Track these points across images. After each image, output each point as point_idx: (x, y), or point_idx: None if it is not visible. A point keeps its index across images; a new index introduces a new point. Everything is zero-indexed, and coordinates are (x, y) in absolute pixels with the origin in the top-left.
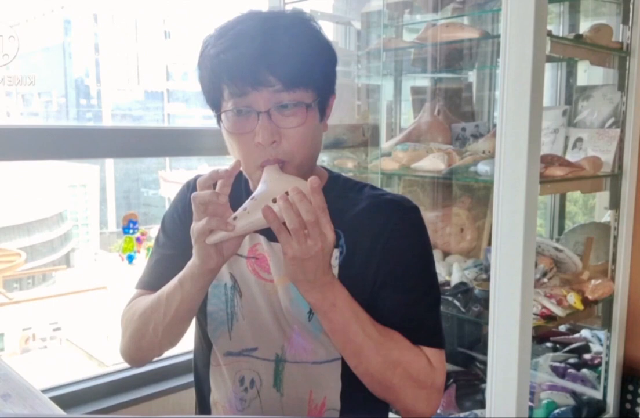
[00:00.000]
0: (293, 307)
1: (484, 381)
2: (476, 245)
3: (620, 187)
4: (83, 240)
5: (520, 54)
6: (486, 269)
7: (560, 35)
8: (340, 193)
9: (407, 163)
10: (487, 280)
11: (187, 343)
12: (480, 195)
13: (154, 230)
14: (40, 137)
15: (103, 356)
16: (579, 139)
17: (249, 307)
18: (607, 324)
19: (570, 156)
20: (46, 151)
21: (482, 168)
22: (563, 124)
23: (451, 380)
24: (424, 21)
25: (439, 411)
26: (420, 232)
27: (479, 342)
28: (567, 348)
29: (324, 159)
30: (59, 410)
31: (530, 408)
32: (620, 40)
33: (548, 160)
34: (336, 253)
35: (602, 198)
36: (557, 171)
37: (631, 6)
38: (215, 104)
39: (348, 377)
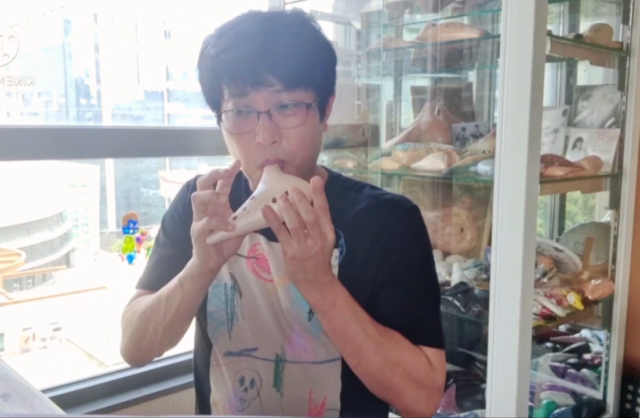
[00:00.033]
0: (293, 307)
1: (484, 381)
2: (476, 245)
3: (620, 187)
4: (83, 240)
5: (520, 54)
6: (486, 269)
7: (560, 35)
8: (340, 192)
9: (407, 163)
10: (487, 280)
11: (187, 343)
12: (480, 195)
13: (154, 230)
14: (40, 137)
15: (103, 356)
16: (579, 139)
17: (249, 307)
18: (607, 324)
19: (570, 156)
20: (46, 151)
21: (482, 167)
22: (563, 124)
23: (451, 380)
24: (424, 21)
25: (439, 411)
26: (420, 232)
27: (479, 342)
28: (567, 348)
29: (324, 159)
30: (59, 410)
31: (530, 408)
32: (620, 40)
33: (548, 160)
34: (336, 252)
35: (602, 198)
36: (557, 171)
37: (631, 6)
38: (215, 104)
39: (348, 376)
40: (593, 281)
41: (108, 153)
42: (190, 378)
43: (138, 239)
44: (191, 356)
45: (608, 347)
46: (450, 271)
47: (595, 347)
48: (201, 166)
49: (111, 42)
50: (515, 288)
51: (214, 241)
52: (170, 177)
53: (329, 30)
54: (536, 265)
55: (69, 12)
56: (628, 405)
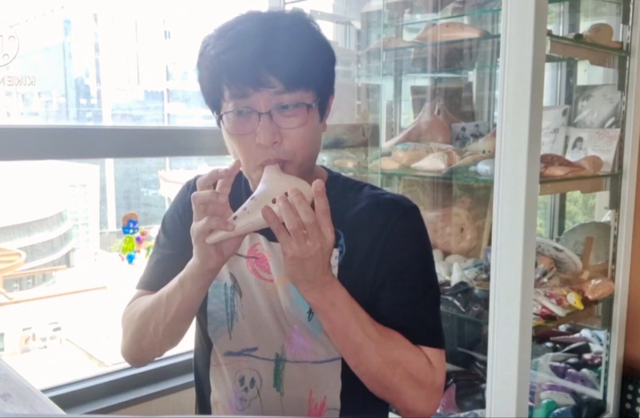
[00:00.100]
0: (293, 307)
1: (484, 381)
2: (476, 245)
3: (620, 187)
4: (83, 240)
5: (520, 53)
6: (486, 269)
7: (560, 35)
8: (339, 192)
9: (407, 163)
10: (487, 279)
11: (187, 343)
12: (480, 195)
13: (154, 230)
14: (40, 137)
15: (103, 356)
16: (579, 139)
17: (249, 307)
18: (607, 324)
19: (570, 156)
20: (46, 151)
21: (482, 167)
22: (563, 124)
23: (451, 380)
24: (424, 21)
25: (439, 411)
26: (420, 232)
27: (479, 342)
28: (567, 348)
29: (324, 159)
30: (59, 410)
31: (530, 408)
32: (620, 40)
33: (548, 160)
34: (336, 252)
35: (602, 197)
36: (557, 171)
37: (631, 6)
38: (215, 104)
39: (348, 376)
40: (593, 281)
41: (108, 153)
42: (190, 378)
43: (138, 239)
44: (191, 356)
45: (608, 347)
46: (450, 271)
47: (595, 347)
48: (201, 166)
49: (111, 42)
50: (515, 288)
51: (214, 241)
52: (170, 177)
53: (329, 30)
54: (536, 265)
55: (69, 12)
56: (628, 405)
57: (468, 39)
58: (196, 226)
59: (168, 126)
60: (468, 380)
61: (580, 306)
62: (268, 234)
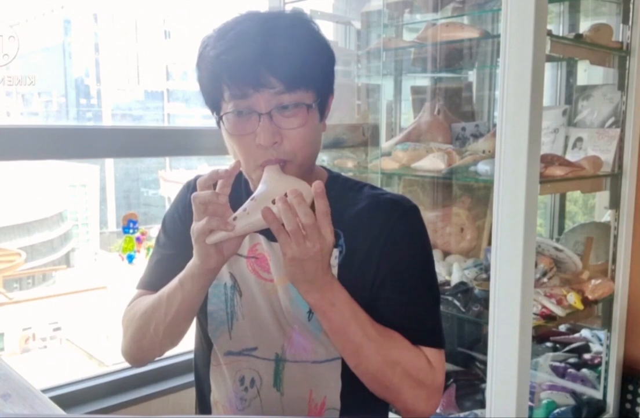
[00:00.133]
0: (293, 307)
1: (484, 381)
2: (476, 245)
3: (620, 187)
4: (83, 240)
5: (520, 53)
6: (486, 269)
7: (560, 35)
8: (339, 192)
9: (407, 163)
10: (487, 279)
11: (187, 343)
12: (480, 195)
13: (154, 230)
14: (40, 137)
15: (103, 356)
16: (579, 139)
17: (249, 307)
18: (607, 324)
19: (570, 156)
20: (46, 151)
21: (482, 167)
22: (563, 124)
23: (451, 380)
24: (424, 21)
25: (439, 411)
26: (420, 232)
27: (479, 342)
28: (567, 348)
29: (324, 159)
30: (59, 410)
31: (530, 408)
32: (620, 40)
33: (548, 160)
34: (336, 252)
35: (602, 197)
36: (557, 171)
37: (631, 6)
38: (215, 105)
39: (348, 376)
40: (593, 281)
41: (108, 153)
42: (190, 378)
43: (138, 239)
44: (191, 356)
45: (608, 347)
46: (450, 271)
47: (595, 347)
48: (201, 166)
49: (111, 42)
50: (515, 288)
51: (214, 241)
52: (170, 177)
53: (329, 30)
54: (536, 265)
55: (69, 12)
56: (628, 405)
57: (468, 39)
58: (196, 226)
59: (168, 126)
60: (468, 380)
61: (580, 306)
62: (268, 234)
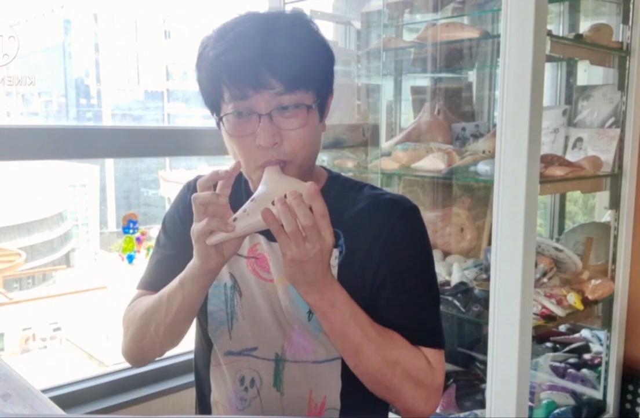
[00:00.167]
0: (293, 307)
1: (484, 381)
2: (476, 245)
3: (620, 187)
4: (83, 240)
5: (520, 54)
6: (486, 269)
7: (560, 35)
8: (339, 192)
9: (407, 163)
10: (487, 280)
11: (187, 343)
12: (480, 195)
13: (154, 230)
14: (40, 137)
15: (103, 356)
16: (579, 139)
17: (248, 307)
18: (607, 324)
19: (570, 156)
20: (46, 151)
21: (482, 167)
22: (563, 124)
23: (451, 380)
24: (424, 21)
25: (439, 411)
26: (420, 232)
27: (479, 342)
28: (567, 348)
29: (324, 159)
30: (59, 410)
31: (530, 408)
32: (620, 40)
33: (548, 160)
34: (335, 252)
35: (602, 197)
36: (557, 171)
37: (631, 6)
38: (214, 106)
39: (348, 376)
40: (593, 281)
41: (108, 153)
42: (190, 378)
43: (138, 239)
44: (191, 356)
45: (608, 347)
46: (450, 271)
47: (595, 347)
48: (201, 166)
49: (111, 42)
50: (515, 288)
51: (214, 242)
52: (170, 177)
53: (329, 30)
54: (536, 265)
55: (69, 12)
56: (628, 405)
57: (468, 39)
58: (196, 227)
59: (168, 126)
60: (468, 380)
61: (580, 307)
62: (268, 234)
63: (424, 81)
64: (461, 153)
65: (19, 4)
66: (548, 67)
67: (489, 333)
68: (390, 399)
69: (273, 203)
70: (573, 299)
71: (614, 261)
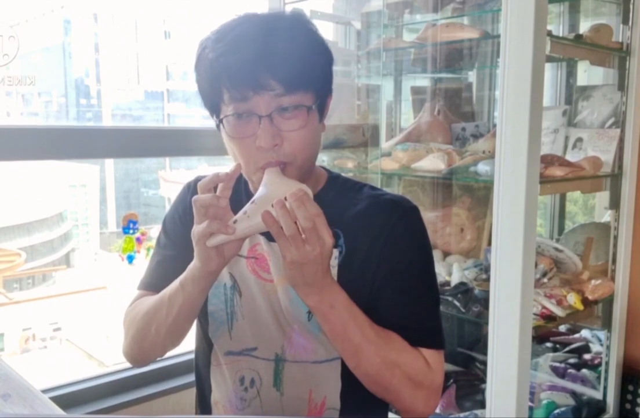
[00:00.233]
0: (293, 307)
1: (484, 381)
2: (476, 245)
3: (620, 187)
4: (83, 240)
5: (520, 54)
6: (486, 269)
7: (560, 35)
8: (339, 192)
9: (407, 163)
10: (487, 280)
11: (187, 343)
12: (480, 195)
13: (154, 230)
14: (40, 137)
15: (103, 356)
16: (579, 139)
17: (248, 307)
18: (607, 324)
19: (570, 156)
20: (46, 151)
21: (482, 168)
22: (563, 124)
23: (451, 380)
24: (424, 21)
25: (439, 411)
26: (420, 232)
27: (479, 342)
28: (567, 348)
29: (324, 159)
30: (59, 410)
31: (530, 408)
32: (620, 40)
33: (548, 160)
34: (335, 253)
35: (602, 198)
36: (557, 171)
37: (631, 6)
38: (214, 107)
39: (348, 376)
40: (593, 281)
41: (108, 153)
42: (190, 378)
43: (138, 239)
44: (191, 356)
45: (608, 347)
46: (450, 271)
47: (595, 347)
48: (201, 166)
49: (111, 42)
50: (515, 288)
51: (215, 244)
52: (170, 177)
53: (329, 30)
54: (536, 265)
55: (69, 12)
56: (628, 405)
57: (468, 39)
58: (197, 229)
59: (168, 126)
60: (468, 380)
61: (580, 307)
62: (268, 234)
63: (424, 81)
64: (461, 153)
65: (19, 4)
66: (548, 67)
67: (489, 333)
68: (389, 399)
69: (273, 206)
70: (573, 299)
71: (614, 261)
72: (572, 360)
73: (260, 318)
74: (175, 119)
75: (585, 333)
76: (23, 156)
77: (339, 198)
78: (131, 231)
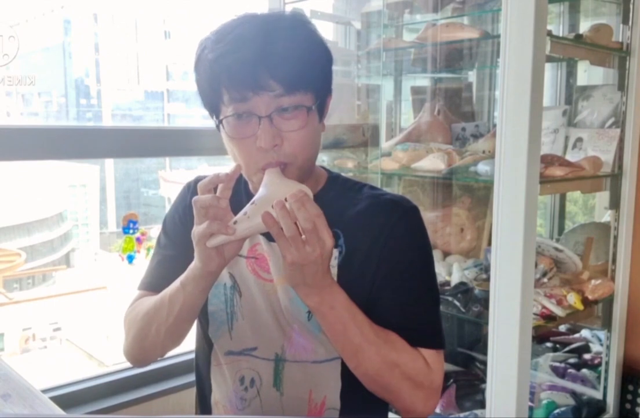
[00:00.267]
0: (292, 307)
1: (484, 381)
2: (476, 245)
3: (620, 187)
4: (83, 240)
5: (520, 54)
6: (486, 269)
7: (560, 35)
8: (339, 192)
9: (407, 163)
10: (487, 280)
11: (187, 343)
12: (480, 195)
13: (154, 230)
14: (40, 137)
15: (103, 356)
16: (579, 139)
17: (248, 307)
18: (607, 324)
19: (570, 156)
20: (46, 151)
21: (482, 168)
22: (563, 124)
23: (451, 380)
24: (424, 21)
25: (439, 411)
26: (420, 232)
27: (479, 342)
28: (567, 348)
29: (324, 159)
30: (59, 410)
31: (530, 408)
32: (620, 40)
33: (548, 160)
34: (335, 253)
35: (602, 198)
36: (557, 171)
37: (631, 6)
38: (213, 108)
39: (348, 376)
40: (593, 281)
41: (108, 153)
42: (190, 378)
43: (138, 239)
44: (191, 356)
45: (608, 347)
46: (450, 271)
47: (595, 347)
48: (201, 166)
49: (111, 42)
50: (515, 288)
51: (215, 245)
52: (170, 177)
53: (329, 30)
54: (536, 265)
55: (69, 12)
56: (628, 405)
57: (468, 39)
58: (197, 230)
59: (168, 126)
60: (468, 380)
61: (580, 307)
62: (268, 234)
63: (424, 81)
64: (461, 153)
65: (19, 4)
66: (548, 67)
67: (489, 333)
68: (389, 399)
69: (273, 206)
70: (573, 299)
71: (614, 261)
72: (572, 360)
73: (260, 318)
74: (175, 119)
75: (585, 333)
76: (23, 156)
77: (339, 198)
78: (131, 231)
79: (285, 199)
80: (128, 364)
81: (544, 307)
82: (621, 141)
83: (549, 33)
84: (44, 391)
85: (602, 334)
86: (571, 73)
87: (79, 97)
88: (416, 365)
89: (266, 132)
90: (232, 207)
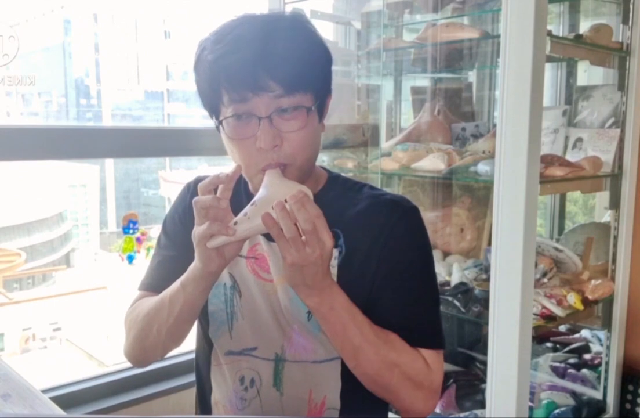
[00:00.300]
0: (292, 307)
1: (484, 381)
2: (476, 245)
3: (620, 187)
4: (83, 240)
5: (520, 54)
6: (486, 269)
7: (560, 35)
8: (339, 192)
9: (407, 163)
10: (487, 280)
11: (187, 343)
12: (480, 195)
13: (154, 230)
14: (40, 137)
15: (103, 356)
16: (579, 139)
17: (248, 307)
18: (607, 324)
19: (570, 156)
20: (46, 151)
21: (482, 168)
22: (563, 124)
23: (451, 380)
24: (424, 21)
25: (439, 411)
26: (420, 232)
27: (479, 342)
28: (567, 348)
29: (324, 159)
30: (59, 410)
31: (530, 408)
32: (620, 40)
33: (548, 160)
34: (335, 253)
35: (602, 198)
36: (557, 171)
37: (631, 6)
38: (213, 108)
39: (348, 376)
40: (593, 281)
41: (108, 153)
42: (190, 378)
43: (138, 239)
44: (191, 356)
45: (608, 347)
46: (450, 271)
47: (595, 347)
48: (201, 166)
49: (111, 42)
50: (515, 288)
51: (215, 245)
52: (170, 177)
53: (329, 30)
54: (536, 265)
55: (69, 12)
56: (628, 405)
57: (468, 39)
58: (197, 230)
59: (168, 126)
60: (468, 380)
61: (580, 307)
62: (268, 234)
63: (424, 81)
64: (461, 153)
65: (19, 4)
66: (548, 67)
67: (489, 333)
68: (389, 399)
69: (273, 207)
70: (573, 299)
71: (614, 261)
72: (572, 360)
73: (260, 318)
74: (175, 119)
75: (585, 333)
76: (23, 156)
77: (338, 198)
78: (131, 231)
79: (286, 200)
80: (128, 364)
81: (544, 307)
82: (621, 141)
83: (549, 33)
84: (44, 391)
85: (602, 334)
86: (571, 73)
87: (79, 97)
88: (416, 365)
89: (266, 133)
90: (232, 208)
